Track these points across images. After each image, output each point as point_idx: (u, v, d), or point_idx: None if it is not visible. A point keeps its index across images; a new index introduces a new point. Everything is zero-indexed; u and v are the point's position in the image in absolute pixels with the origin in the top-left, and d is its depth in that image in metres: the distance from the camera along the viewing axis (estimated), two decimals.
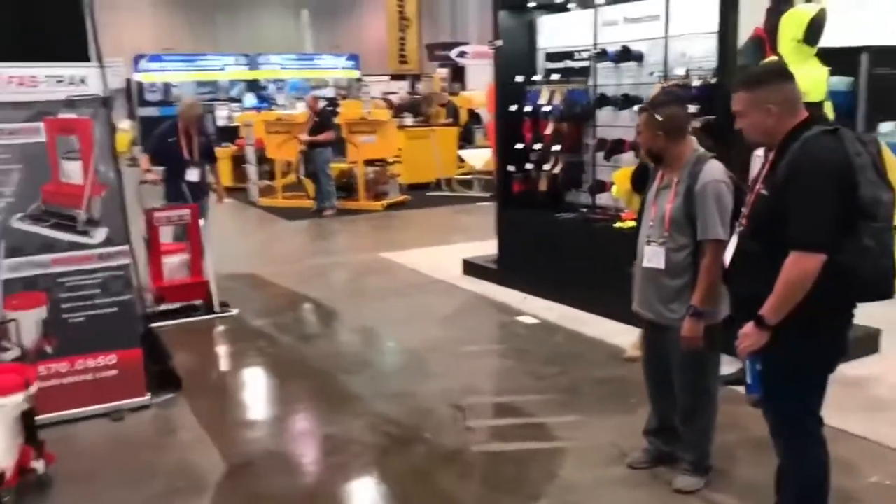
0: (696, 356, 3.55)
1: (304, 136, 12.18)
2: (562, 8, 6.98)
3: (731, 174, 3.60)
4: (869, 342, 5.25)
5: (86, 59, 4.65)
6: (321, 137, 11.98)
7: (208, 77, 23.06)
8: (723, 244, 3.30)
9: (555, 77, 6.86)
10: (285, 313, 6.97)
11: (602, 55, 6.41)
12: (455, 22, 24.86)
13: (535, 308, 6.70)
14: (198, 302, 6.82)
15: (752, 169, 4.53)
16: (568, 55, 6.94)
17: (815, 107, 5.11)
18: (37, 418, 4.27)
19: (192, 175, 7.24)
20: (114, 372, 4.74)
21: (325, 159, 12.15)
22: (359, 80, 24.11)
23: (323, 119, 12.20)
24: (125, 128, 24.20)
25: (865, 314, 4.26)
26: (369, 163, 12.97)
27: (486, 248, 7.89)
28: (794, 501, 3.09)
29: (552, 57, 7.12)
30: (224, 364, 5.92)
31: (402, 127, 14.64)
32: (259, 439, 4.46)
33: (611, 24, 6.53)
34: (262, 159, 13.92)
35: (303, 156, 12.56)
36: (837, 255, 2.70)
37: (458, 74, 21.26)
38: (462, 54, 20.60)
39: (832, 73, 8.50)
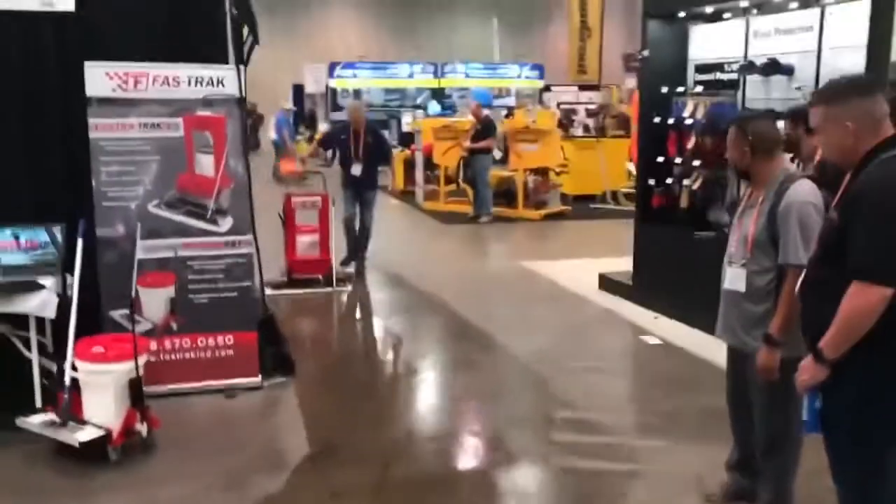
0: (775, 388, 3.30)
1: (466, 143, 12.41)
2: (714, 18, 6.67)
3: (827, 196, 3.32)
4: None
5: (225, 61, 5.06)
6: (481, 145, 12.16)
7: (396, 84, 24.00)
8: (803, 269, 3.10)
9: (698, 89, 6.57)
10: (404, 307, 7.18)
11: (749, 67, 6.07)
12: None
13: (663, 328, 6.46)
14: (319, 276, 7.96)
15: None
16: (718, 67, 6.63)
17: None
18: (159, 388, 4.77)
19: (356, 170, 8.27)
20: (230, 352, 5.10)
21: (483, 166, 12.31)
22: (546, 88, 24.22)
23: (484, 127, 12.37)
24: (324, 130, 25.92)
25: None
26: (532, 172, 13.00)
27: (630, 263, 7.69)
28: None
29: (702, 69, 6.83)
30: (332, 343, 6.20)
31: (570, 137, 14.53)
32: (344, 428, 4.64)
33: (763, 35, 6.17)
34: (429, 164, 14.32)
35: (463, 162, 12.80)
36: None
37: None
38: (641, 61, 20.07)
39: None
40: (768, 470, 3.48)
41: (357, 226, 8.42)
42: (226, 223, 5.05)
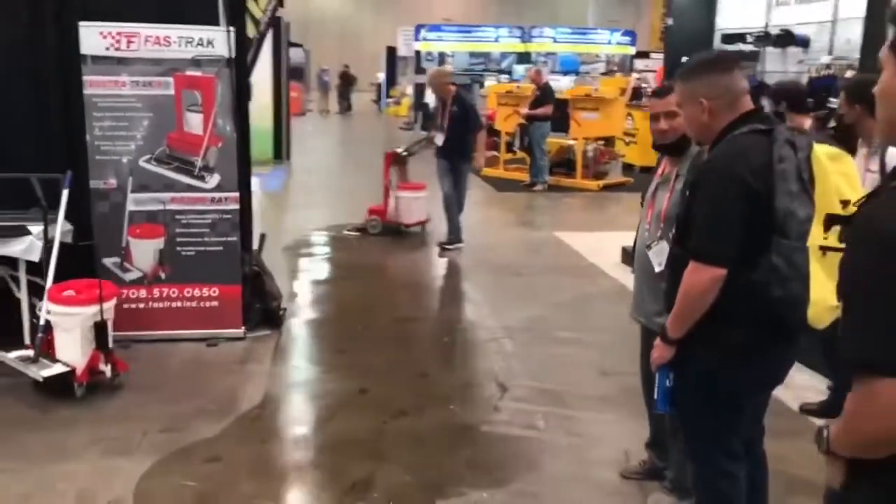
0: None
1: (524, 110, 12.30)
2: None
3: None
4: None
5: (216, 23, 5.22)
6: (539, 112, 12.02)
7: (482, 48, 23.84)
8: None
9: None
10: (421, 272, 7.29)
11: (765, 38, 5.80)
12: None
13: None
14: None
15: (888, 166, 3.94)
16: (741, 37, 6.36)
17: None
18: (147, 333, 5.09)
19: (438, 139, 8.17)
20: (215, 303, 5.35)
21: (541, 134, 12.18)
22: (638, 55, 23.55)
23: (543, 93, 12.21)
24: (409, 93, 26.16)
25: None
26: (597, 141, 12.77)
27: None
28: None
29: (727, 38, 6.57)
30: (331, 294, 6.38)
31: (639, 107, 14.15)
32: (302, 385, 4.82)
33: (784, 3, 5.88)
34: (492, 131, 14.26)
35: (521, 129, 12.69)
36: (752, 273, 2.37)
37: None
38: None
39: None
40: (673, 451, 3.44)
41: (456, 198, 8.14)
42: (213, 180, 5.27)
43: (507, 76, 22.34)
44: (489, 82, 20.68)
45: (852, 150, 3.98)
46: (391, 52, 29.57)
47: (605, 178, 12.72)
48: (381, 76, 31.85)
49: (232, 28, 5.19)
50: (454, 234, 8.17)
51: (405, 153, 8.92)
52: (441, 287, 6.89)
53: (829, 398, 4.34)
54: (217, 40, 5.14)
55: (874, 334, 1.43)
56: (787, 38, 5.61)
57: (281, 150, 14.28)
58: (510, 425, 4.27)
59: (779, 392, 4.59)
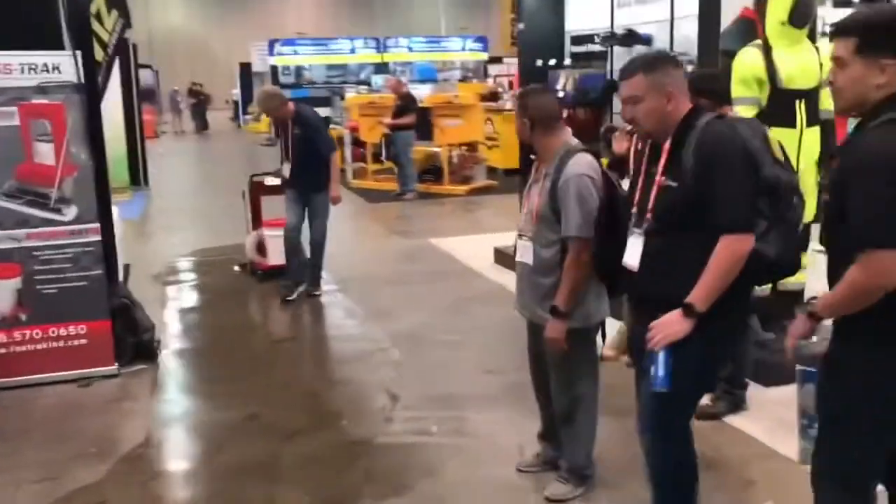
0: (566, 359, 3.37)
1: (387, 120, 12.36)
2: None
3: (605, 169, 3.36)
4: None
5: (61, 46, 4.98)
6: (402, 121, 12.12)
7: (339, 60, 23.81)
8: (585, 242, 3.18)
9: (567, 61, 6.60)
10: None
11: (611, 38, 6.10)
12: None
13: None
14: None
15: None
16: (589, 38, 6.65)
17: (805, 95, 4.67)
18: (10, 380, 4.77)
19: (285, 170, 6.72)
20: (84, 341, 5.08)
21: (406, 143, 12.28)
22: (489, 61, 24.15)
23: (405, 103, 12.32)
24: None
25: None
26: (460, 147, 12.99)
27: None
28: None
29: (576, 40, 6.85)
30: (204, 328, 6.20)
31: (499, 111, 14.52)
32: (186, 417, 4.66)
33: (625, 4, 6.20)
34: (358, 142, 14.26)
35: (385, 139, 12.76)
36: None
37: None
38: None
39: None
40: (566, 439, 3.56)
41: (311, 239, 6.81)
42: (70, 212, 5.01)
43: (366, 87, 22.41)
44: (349, 94, 20.69)
45: None
46: (245, 67, 29.03)
47: (471, 183, 12.97)
48: (237, 93, 31.21)
49: (79, 52, 4.96)
50: (293, 275, 6.81)
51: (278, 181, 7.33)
52: (319, 303, 6.80)
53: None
54: (63, 65, 4.89)
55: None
56: (631, 38, 5.90)
57: (138, 175, 13.73)
58: (404, 434, 4.29)
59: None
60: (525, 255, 3.42)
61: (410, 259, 8.37)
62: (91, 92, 5.14)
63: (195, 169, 19.26)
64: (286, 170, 6.71)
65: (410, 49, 24.21)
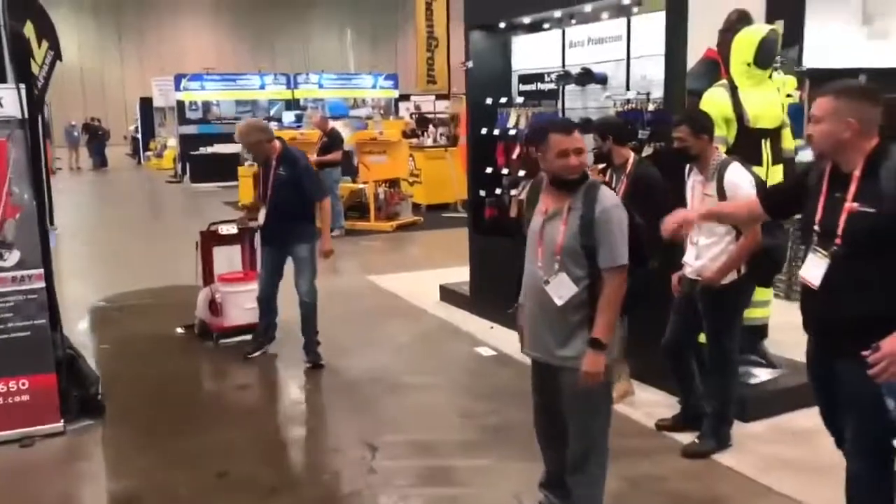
0: (591, 399, 3.26)
1: (314, 157, 12.12)
2: (533, 28, 6.74)
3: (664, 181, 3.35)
4: None
5: (3, 80, 4.63)
6: (328, 157, 11.92)
7: (248, 96, 23.38)
8: (626, 270, 3.15)
9: (519, 100, 6.62)
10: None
11: (566, 77, 6.16)
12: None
13: (499, 339, 6.42)
14: None
15: (688, 196, 4.25)
16: (539, 77, 6.69)
17: (769, 134, 4.81)
18: None
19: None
20: (26, 397, 4.67)
21: (333, 179, 12.06)
22: (402, 98, 24.21)
23: (331, 139, 12.15)
24: (172, 145, 24.96)
25: None
26: (384, 183, 12.88)
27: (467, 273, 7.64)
28: None
29: (524, 79, 6.89)
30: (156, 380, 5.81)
31: (420, 147, 14.52)
32: (151, 473, 4.31)
33: (577, 45, 6.27)
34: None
35: None
36: None
37: None
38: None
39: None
40: (580, 485, 3.43)
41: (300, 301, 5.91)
42: (12, 257, 4.62)
43: (276, 123, 22.06)
44: None
45: (683, 176, 4.30)
46: (146, 102, 28.13)
47: (397, 219, 12.86)
48: (136, 128, 30.20)
49: (23, 85, 4.62)
50: (310, 347, 5.92)
51: (235, 230, 6.68)
52: (273, 347, 6.47)
53: (680, 412, 4.59)
54: (6, 99, 4.54)
55: None
56: (587, 76, 5.96)
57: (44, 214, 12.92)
58: (391, 486, 4.09)
59: (629, 411, 4.85)
60: (564, 290, 3.20)
61: (354, 298, 8.15)
62: (33, 128, 4.79)
63: (101, 207, 18.38)
64: (262, 217, 5.82)
65: (321, 86, 24.00)
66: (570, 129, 3.22)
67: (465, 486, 4.04)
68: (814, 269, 2.85)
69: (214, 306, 6.48)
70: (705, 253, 4.14)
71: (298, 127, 19.43)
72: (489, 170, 6.95)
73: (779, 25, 4.91)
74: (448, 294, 7.65)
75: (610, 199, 3.19)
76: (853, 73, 8.45)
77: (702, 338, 4.81)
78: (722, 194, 3.99)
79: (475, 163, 7.14)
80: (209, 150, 21.04)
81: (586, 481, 3.39)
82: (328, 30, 26.94)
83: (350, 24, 25.81)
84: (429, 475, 4.19)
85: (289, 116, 22.81)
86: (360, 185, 13.07)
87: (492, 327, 6.71)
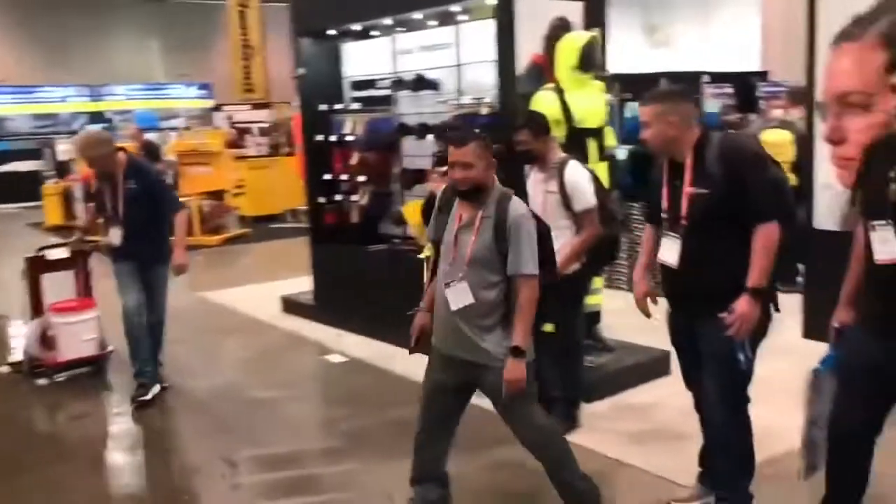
0: (521, 397, 3.29)
1: None
2: (362, 35, 6.81)
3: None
4: (660, 364, 5.25)
5: None
6: None
7: (47, 109, 21.82)
8: (536, 277, 3.23)
9: (355, 106, 6.68)
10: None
11: (399, 83, 6.28)
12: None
13: (348, 345, 6.44)
14: None
15: (530, 195, 4.45)
16: (371, 83, 6.77)
17: (594, 133, 5.16)
18: None
19: (115, 237, 5.33)
20: None
21: None
22: (216, 108, 23.43)
23: (147, 151, 11.62)
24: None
25: (656, 339, 4.32)
26: (208, 196, 12.47)
27: (309, 283, 7.57)
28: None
29: (357, 85, 6.95)
30: None
31: (243, 158, 14.18)
32: None
33: (407, 52, 6.42)
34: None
35: None
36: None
37: None
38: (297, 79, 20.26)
39: (636, 99, 8.80)
40: (555, 466, 3.45)
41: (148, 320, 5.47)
42: None
43: None
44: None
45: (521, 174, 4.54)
46: None
47: (224, 233, 12.50)
48: None
49: None
50: (147, 374, 5.45)
51: (67, 254, 6.07)
52: (100, 374, 6.09)
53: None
54: None
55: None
56: (420, 82, 6.12)
57: None
58: (257, 501, 4.01)
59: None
60: (461, 298, 3.27)
61: (186, 316, 7.78)
62: None
63: None
64: (116, 236, 5.32)
65: (129, 97, 22.81)
66: (459, 142, 3.25)
67: (335, 492, 4.04)
68: (668, 251, 3.22)
69: (47, 340, 5.88)
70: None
71: None
72: (328, 176, 6.94)
73: (597, 32, 5.26)
74: (290, 305, 7.55)
75: (521, 209, 3.28)
76: (654, 78, 9.24)
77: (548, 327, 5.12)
78: (564, 191, 4.25)
79: (313, 170, 7.11)
80: (4, 168, 19.43)
81: (559, 460, 3.43)
82: (132, 39, 25.56)
83: (156, 32, 24.66)
84: (294, 486, 4.14)
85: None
86: (183, 199, 12.56)
87: (339, 335, 6.71)
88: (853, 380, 2.90)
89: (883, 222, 2.68)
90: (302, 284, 7.80)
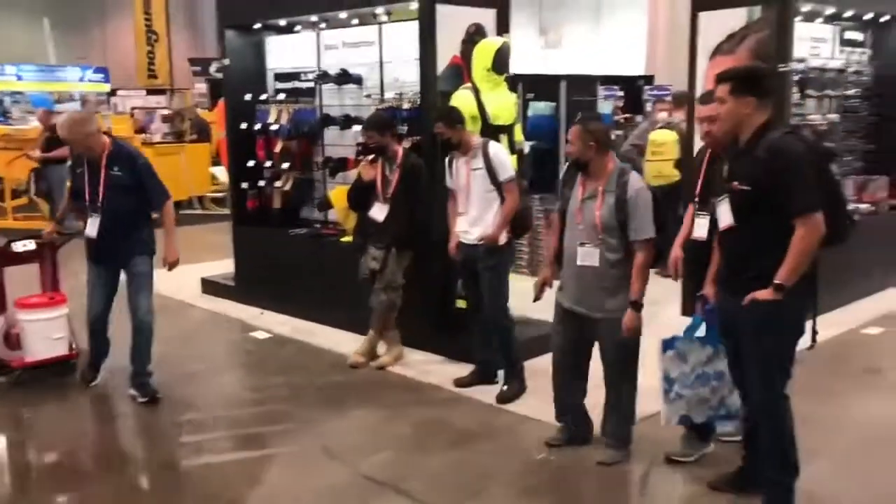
0: (630, 344, 3.97)
1: (37, 153, 11.46)
2: (287, 30, 7.19)
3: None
4: None
5: None
6: (55, 154, 11.33)
7: None
8: (654, 242, 3.88)
9: (281, 97, 7.05)
10: None
11: (324, 77, 6.70)
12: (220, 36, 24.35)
13: (270, 323, 6.82)
14: None
15: (455, 176, 5.08)
16: (295, 76, 7.15)
17: (506, 129, 5.74)
18: None
19: (91, 228, 4.98)
20: None
21: (60, 177, 11.45)
22: (111, 93, 22.91)
23: (54, 134, 11.50)
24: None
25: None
26: None
27: (230, 266, 7.86)
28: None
29: (281, 77, 7.31)
30: None
31: (148, 143, 14.16)
32: None
33: (332, 47, 6.83)
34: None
35: (34, 174, 11.81)
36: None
37: (217, 90, 20.80)
38: (220, 70, 20.17)
39: (537, 99, 9.54)
40: (615, 411, 4.11)
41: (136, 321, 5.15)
42: None
43: None
44: None
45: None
46: None
47: None
48: None
49: None
50: (139, 379, 5.13)
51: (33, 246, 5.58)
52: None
53: (476, 368, 5.28)
54: None
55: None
56: (344, 77, 6.55)
57: None
58: (204, 453, 4.41)
59: (406, 372, 5.52)
60: (589, 259, 3.93)
61: None
62: None
63: None
64: (93, 227, 4.97)
65: (20, 78, 22.02)
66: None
67: (276, 447, 4.47)
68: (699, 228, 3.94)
69: (10, 339, 5.41)
70: (484, 218, 4.94)
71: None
72: (251, 163, 7.28)
73: (508, 38, 5.83)
74: (210, 286, 7.84)
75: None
76: (553, 79, 9.95)
77: (460, 303, 5.69)
78: (489, 164, 4.88)
79: (236, 157, 7.43)
80: None
81: (622, 406, 4.09)
82: (20, 18, 24.65)
83: (48, 12, 23.86)
84: (239, 442, 4.56)
85: None
86: None
87: (262, 313, 7.08)
88: (725, 335, 3.59)
89: (721, 198, 3.39)
90: (216, 268, 8.10)
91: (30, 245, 5.57)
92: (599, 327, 3.99)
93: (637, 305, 3.87)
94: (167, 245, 5.14)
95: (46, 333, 5.33)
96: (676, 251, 4.20)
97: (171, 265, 5.19)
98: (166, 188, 5.20)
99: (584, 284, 3.99)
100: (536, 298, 4.29)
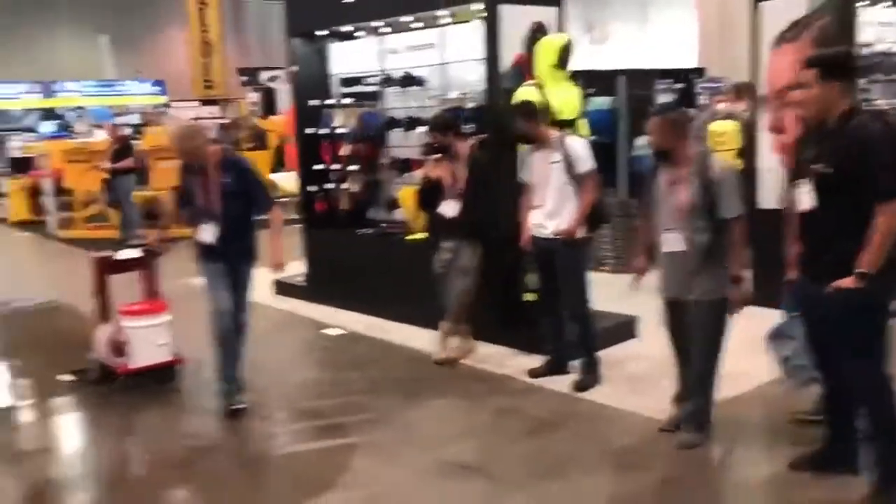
0: (714, 328, 4.07)
1: (106, 164, 11.92)
2: (349, 36, 7.39)
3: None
4: (627, 328, 5.99)
5: None
6: (122, 165, 11.78)
7: None
8: (744, 219, 4.01)
9: (346, 101, 7.26)
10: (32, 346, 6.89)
11: (388, 80, 6.88)
12: (265, 46, 24.85)
13: (343, 321, 7.01)
14: None
15: (532, 170, 5.19)
16: (358, 80, 7.35)
17: (570, 124, 5.85)
18: None
19: (207, 234, 5.06)
20: None
21: (127, 187, 11.93)
22: (166, 105, 23.54)
23: (123, 146, 11.99)
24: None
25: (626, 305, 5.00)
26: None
27: (300, 267, 8.08)
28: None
29: (345, 82, 7.52)
30: None
31: None
32: None
33: (394, 51, 7.02)
34: (60, 190, 13.41)
35: (105, 184, 12.28)
36: None
37: (269, 99, 21.27)
38: (273, 79, 20.66)
39: (596, 94, 9.60)
40: (699, 392, 4.19)
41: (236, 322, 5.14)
42: None
43: (33, 134, 20.71)
44: (14, 142, 19.00)
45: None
46: None
47: None
48: None
49: None
50: (238, 380, 5.14)
51: (141, 253, 5.84)
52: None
53: (552, 359, 5.40)
54: None
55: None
56: (408, 80, 6.73)
57: None
58: (296, 444, 4.62)
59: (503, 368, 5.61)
60: (676, 244, 4.05)
61: (192, 301, 8.26)
62: None
63: None
64: (210, 234, 5.04)
65: (82, 94, 22.82)
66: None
67: (359, 436, 4.64)
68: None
69: (116, 346, 5.48)
70: (560, 212, 5.06)
71: (61, 137, 18.49)
72: (319, 167, 7.51)
73: (570, 35, 5.94)
74: (284, 287, 8.04)
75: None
76: (609, 75, 10.01)
77: (528, 296, 5.81)
78: (567, 158, 5.01)
79: (304, 161, 7.66)
80: None
81: (703, 393, 4.18)
82: (79, 35, 25.44)
83: (105, 28, 24.60)
84: (322, 431, 4.77)
85: (47, 126, 21.54)
86: (155, 193, 12.94)
87: (335, 311, 7.28)
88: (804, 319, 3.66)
89: (801, 181, 3.45)
90: (288, 270, 8.31)
91: (132, 254, 5.77)
92: (688, 309, 4.08)
93: (737, 279, 3.98)
94: (275, 248, 5.24)
95: (151, 340, 5.45)
96: None
97: (278, 268, 5.33)
98: (272, 196, 5.39)
99: (673, 270, 4.10)
100: (634, 288, 4.36)
